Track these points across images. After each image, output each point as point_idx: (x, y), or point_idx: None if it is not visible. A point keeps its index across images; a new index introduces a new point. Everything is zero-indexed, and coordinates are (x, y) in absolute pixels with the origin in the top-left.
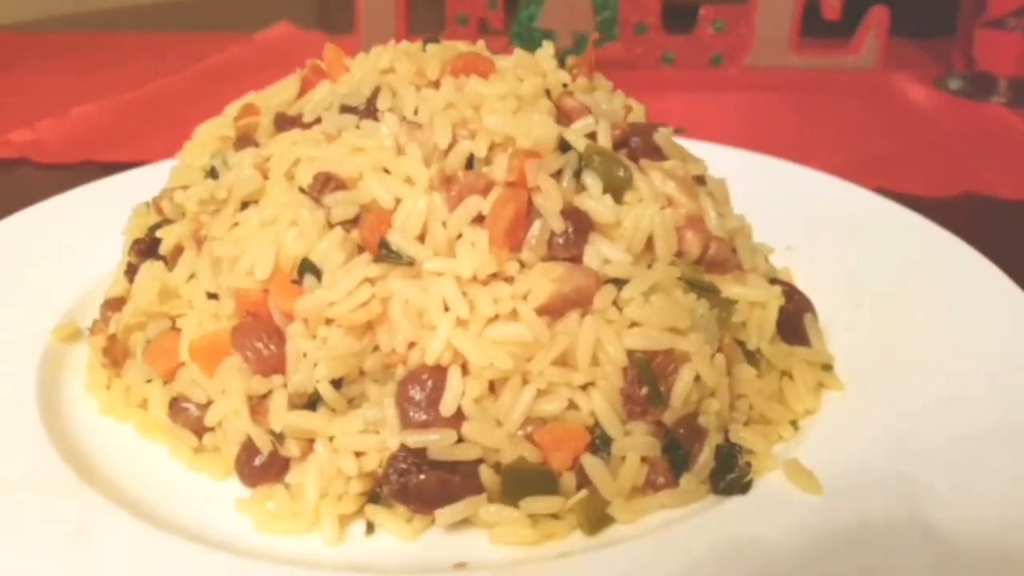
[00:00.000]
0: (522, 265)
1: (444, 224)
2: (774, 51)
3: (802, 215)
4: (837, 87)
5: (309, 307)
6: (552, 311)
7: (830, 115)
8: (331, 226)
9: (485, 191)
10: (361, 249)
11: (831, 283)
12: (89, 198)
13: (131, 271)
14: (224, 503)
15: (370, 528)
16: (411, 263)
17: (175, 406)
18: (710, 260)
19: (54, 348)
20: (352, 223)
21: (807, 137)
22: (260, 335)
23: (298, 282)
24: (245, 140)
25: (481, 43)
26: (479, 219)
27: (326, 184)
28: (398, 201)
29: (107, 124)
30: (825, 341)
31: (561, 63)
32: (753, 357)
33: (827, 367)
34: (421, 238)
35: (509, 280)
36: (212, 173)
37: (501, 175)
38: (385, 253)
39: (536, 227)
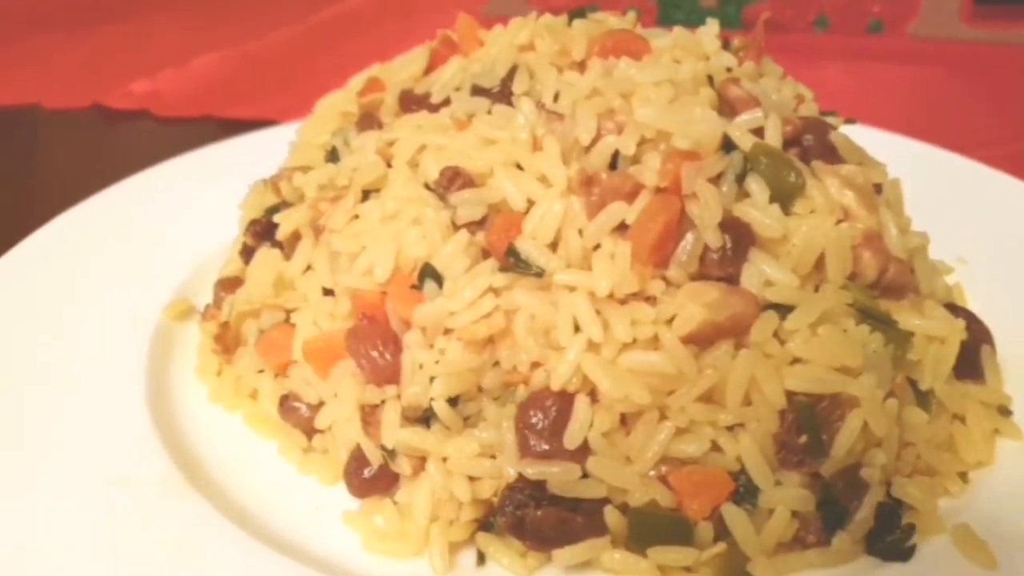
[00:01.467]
0: (668, 283)
1: (581, 232)
2: (942, 19)
3: (974, 221)
4: (1013, 64)
5: (428, 316)
6: (701, 340)
7: (1003, 97)
8: (456, 228)
9: (631, 196)
10: (487, 254)
11: (1008, 306)
12: (208, 161)
13: (246, 252)
14: (331, 512)
15: (481, 559)
16: (540, 274)
17: (285, 404)
18: (886, 284)
19: (165, 326)
20: (478, 224)
21: (974, 122)
22: (376, 342)
23: (418, 287)
24: (368, 119)
25: (631, 15)
26: (622, 228)
27: (453, 180)
28: (531, 203)
29: (227, 76)
30: (1003, 378)
31: (726, 44)
32: (925, 399)
33: (1004, 410)
34: (554, 246)
35: (652, 301)
36: (333, 154)
37: (652, 179)
38: (513, 261)
39: (688, 240)
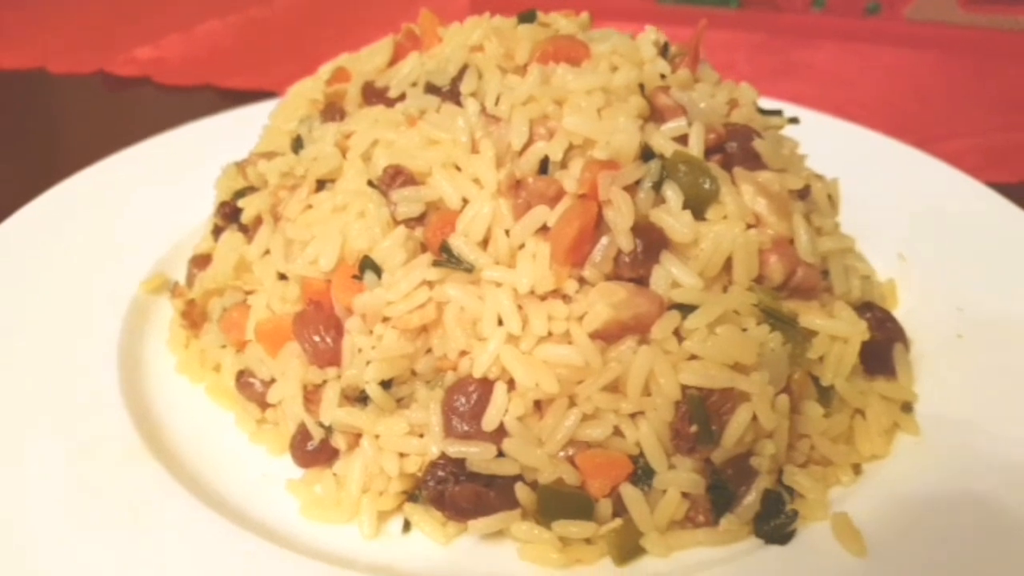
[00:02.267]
0: (584, 283)
1: (508, 232)
2: (940, 4)
3: (925, 220)
4: (1009, 52)
5: (367, 304)
6: (608, 336)
7: (996, 85)
8: (396, 223)
9: (555, 199)
10: (424, 248)
11: (939, 305)
12: (200, 136)
13: (217, 232)
14: (277, 480)
15: (407, 526)
16: (470, 270)
17: (241, 379)
18: (794, 286)
19: (143, 299)
20: (418, 220)
21: (964, 109)
22: (319, 327)
23: (359, 277)
24: (332, 108)
25: (585, 17)
26: (545, 230)
27: (395, 178)
28: (465, 202)
29: (230, 44)
30: (914, 374)
31: (664, 49)
32: (826, 393)
33: (907, 406)
34: (484, 244)
35: (567, 299)
36: (297, 142)
37: (572, 185)
38: (446, 257)
39: (603, 243)
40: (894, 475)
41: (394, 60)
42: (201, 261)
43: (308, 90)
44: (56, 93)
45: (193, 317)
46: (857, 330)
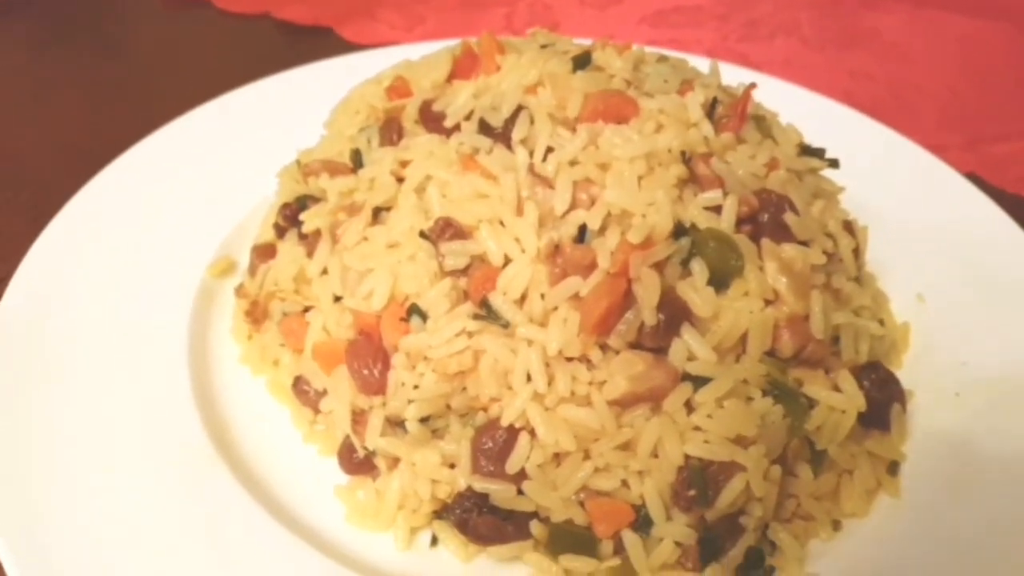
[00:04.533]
0: (608, 348)
1: (543, 296)
2: None
3: (951, 257)
4: None
5: (412, 345)
6: (623, 403)
7: None
8: (443, 274)
9: (589, 268)
10: (466, 295)
11: (944, 355)
12: (270, 93)
13: (278, 229)
14: (326, 482)
15: (434, 541)
16: (506, 325)
17: (298, 385)
18: (803, 358)
19: (209, 282)
20: (462, 271)
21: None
22: (368, 360)
23: (406, 320)
24: (391, 124)
25: (637, 51)
26: (577, 297)
27: (445, 230)
28: (507, 259)
29: None
30: (908, 430)
31: (712, 107)
32: (819, 456)
33: (894, 466)
34: (520, 302)
35: (590, 364)
36: (356, 156)
37: (605, 262)
38: (485, 312)
39: (629, 316)
40: (870, 536)
41: (452, 75)
42: (263, 251)
43: (369, 95)
44: (112, 12)
45: (256, 315)
46: (855, 404)
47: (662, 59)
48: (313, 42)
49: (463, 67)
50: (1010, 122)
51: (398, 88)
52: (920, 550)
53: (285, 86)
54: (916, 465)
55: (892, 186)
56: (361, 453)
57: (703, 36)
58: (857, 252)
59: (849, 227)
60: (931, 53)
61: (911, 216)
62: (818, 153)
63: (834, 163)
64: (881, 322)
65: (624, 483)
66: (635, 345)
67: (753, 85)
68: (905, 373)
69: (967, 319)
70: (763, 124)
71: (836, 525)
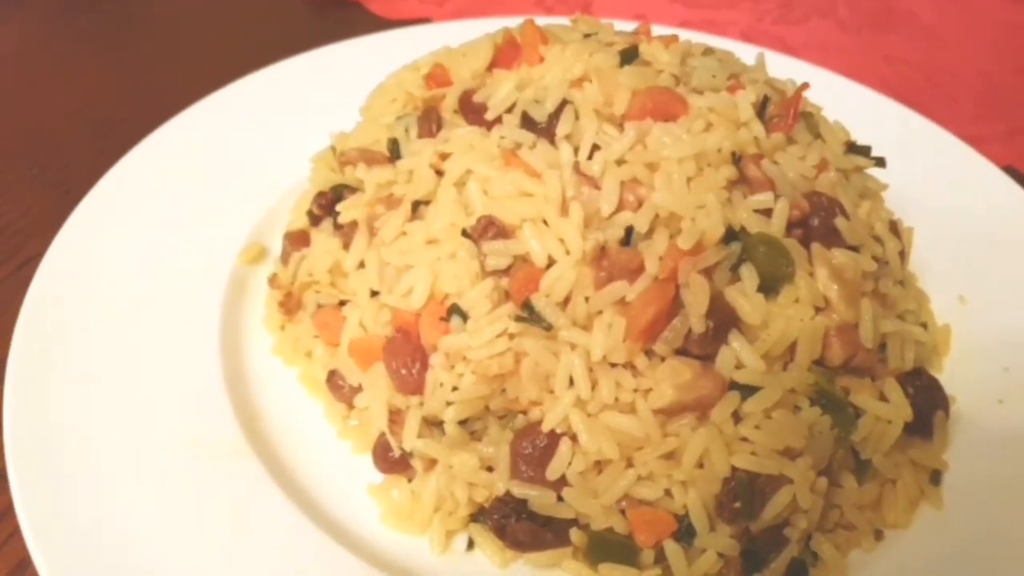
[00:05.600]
0: (653, 355)
1: (587, 299)
2: None
3: (993, 256)
4: None
5: (451, 345)
6: (669, 412)
7: None
8: (485, 274)
9: (635, 273)
10: (507, 295)
11: (987, 361)
12: (304, 70)
13: (312, 218)
14: (359, 480)
15: (470, 545)
16: (549, 328)
17: (332, 379)
18: (852, 367)
19: (240, 269)
20: (504, 271)
21: None
22: (406, 360)
23: (446, 319)
24: (430, 114)
25: (683, 44)
26: (622, 301)
27: (487, 229)
28: (551, 260)
29: None
30: (950, 438)
31: (763, 106)
32: (863, 466)
33: (936, 475)
34: (564, 304)
35: (635, 371)
36: (393, 146)
37: (653, 267)
38: (528, 314)
39: (676, 322)
40: (913, 547)
41: (493, 64)
42: (296, 238)
43: (406, 82)
44: None
45: (289, 306)
46: (902, 414)
47: (708, 51)
48: (342, 16)
49: (505, 56)
50: None
51: (437, 76)
52: (961, 562)
53: (318, 64)
54: (958, 474)
55: (931, 180)
56: (397, 452)
57: (738, 17)
58: (903, 255)
59: (895, 228)
60: (967, 38)
61: (950, 212)
62: (864, 151)
63: (881, 162)
64: (924, 326)
65: (667, 492)
66: (681, 352)
67: (806, 85)
68: (947, 378)
69: (1008, 322)
70: (811, 121)
71: (878, 535)
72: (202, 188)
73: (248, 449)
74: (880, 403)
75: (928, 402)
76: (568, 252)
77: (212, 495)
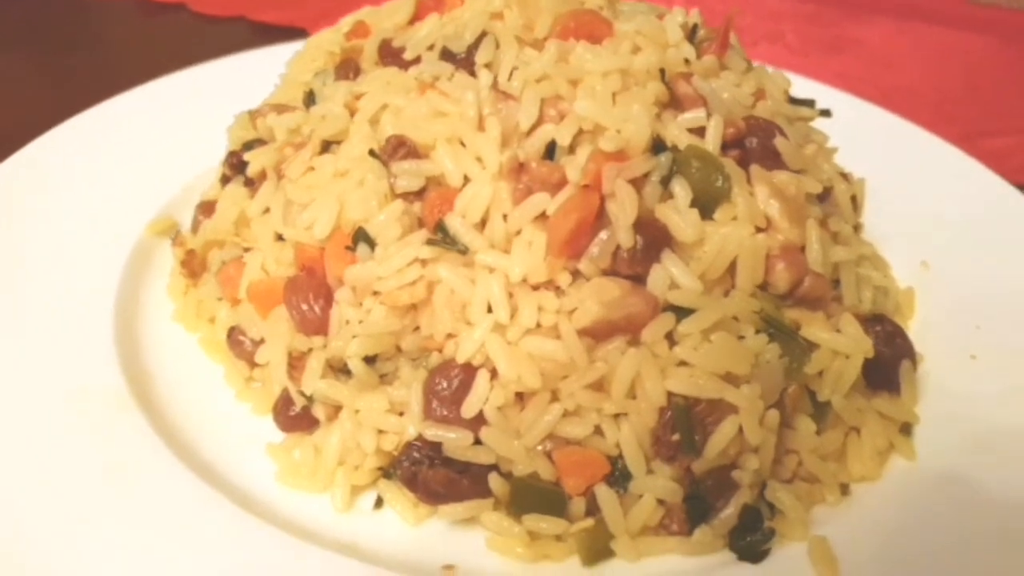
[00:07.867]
0: (579, 276)
1: (505, 217)
2: None
3: (956, 227)
4: None
5: (358, 277)
6: (597, 334)
7: None
8: (395, 195)
9: (557, 187)
10: (420, 223)
11: (957, 320)
12: (224, 73)
13: (225, 181)
14: (257, 441)
15: (379, 503)
16: (464, 251)
17: (232, 335)
18: (801, 296)
19: (148, 242)
20: (417, 194)
21: (1017, 103)
22: (308, 295)
23: (352, 248)
24: (347, 64)
25: None
26: (544, 218)
27: (397, 149)
28: (466, 180)
29: None
30: (919, 393)
31: (693, 32)
32: (821, 409)
33: (907, 427)
34: (481, 226)
35: (559, 291)
36: (309, 97)
37: (575, 175)
38: (441, 236)
39: (601, 237)
40: (882, 501)
41: (415, 18)
42: (208, 208)
43: (327, 42)
44: (92, 17)
45: (192, 267)
46: (861, 348)
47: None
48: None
49: (427, 8)
50: (1004, 120)
51: (357, 31)
52: (936, 514)
53: (253, 65)
54: (931, 428)
55: (888, 163)
56: (299, 405)
57: None
58: (855, 202)
59: (846, 177)
60: (916, 60)
61: (908, 190)
62: (808, 103)
63: (826, 112)
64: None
65: (597, 429)
66: (611, 273)
67: (737, 11)
68: (914, 338)
69: (975, 287)
70: (744, 58)
71: (844, 489)
72: (119, 170)
73: (132, 402)
74: (835, 335)
75: (892, 351)
76: (484, 167)
77: (92, 446)
